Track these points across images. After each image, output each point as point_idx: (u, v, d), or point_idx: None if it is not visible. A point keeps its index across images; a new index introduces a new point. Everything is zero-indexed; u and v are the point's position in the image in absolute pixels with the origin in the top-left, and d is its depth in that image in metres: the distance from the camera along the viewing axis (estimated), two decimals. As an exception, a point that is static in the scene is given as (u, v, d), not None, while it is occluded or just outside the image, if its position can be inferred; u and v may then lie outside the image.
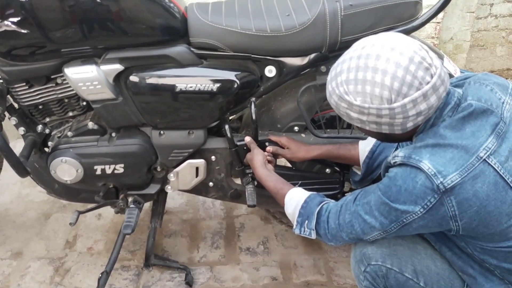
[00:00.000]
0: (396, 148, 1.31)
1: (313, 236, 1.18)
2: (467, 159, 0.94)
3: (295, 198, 1.25)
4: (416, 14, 1.42)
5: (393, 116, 0.97)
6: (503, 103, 1.01)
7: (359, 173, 1.48)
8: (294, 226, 1.23)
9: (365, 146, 1.43)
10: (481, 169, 0.93)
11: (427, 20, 1.42)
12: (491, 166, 0.94)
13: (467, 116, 0.98)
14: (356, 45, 1.02)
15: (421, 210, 0.97)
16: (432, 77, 0.94)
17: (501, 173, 0.95)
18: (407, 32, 1.43)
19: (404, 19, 1.40)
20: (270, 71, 1.48)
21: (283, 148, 1.54)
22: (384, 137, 1.10)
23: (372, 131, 1.04)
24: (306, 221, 1.19)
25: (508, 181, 0.95)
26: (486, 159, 0.94)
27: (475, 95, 1.01)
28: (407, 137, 1.07)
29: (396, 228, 1.03)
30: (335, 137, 1.56)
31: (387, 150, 1.38)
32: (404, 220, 1.00)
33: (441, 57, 1.56)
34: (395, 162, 1.02)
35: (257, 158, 1.44)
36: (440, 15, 2.76)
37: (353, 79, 0.97)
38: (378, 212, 1.04)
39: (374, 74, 0.94)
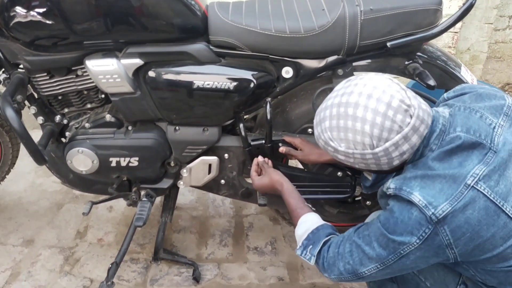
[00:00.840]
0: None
1: (312, 262, 1.19)
2: (455, 188, 0.95)
3: (308, 222, 1.26)
4: (436, 21, 1.42)
5: (378, 158, 1.01)
6: (494, 128, 1.01)
7: (370, 178, 1.49)
8: (298, 247, 1.24)
9: None
10: (471, 196, 0.94)
11: (446, 29, 1.43)
12: (480, 192, 0.94)
13: (455, 149, 0.99)
14: (337, 91, 1.05)
15: (417, 241, 0.97)
16: (411, 117, 0.97)
17: (491, 197, 0.95)
18: (426, 39, 1.44)
19: (423, 26, 1.40)
20: (287, 72, 1.50)
21: (296, 149, 1.55)
22: (374, 172, 1.14)
23: (362, 168, 1.09)
24: (311, 246, 1.20)
25: (499, 205, 0.95)
26: (475, 185, 0.94)
27: (464, 125, 1.01)
28: (397, 169, 1.10)
29: (394, 260, 1.03)
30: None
31: None
32: (402, 252, 1.00)
33: (458, 66, 1.56)
34: (389, 193, 1.04)
35: (278, 174, 1.43)
36: (458, 24, 2.75)
37: (335, 126, 1.01)
38: (377, 243, 1.04)
39: (354, 122, 0.98)
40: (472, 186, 0.94)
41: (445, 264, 1.15)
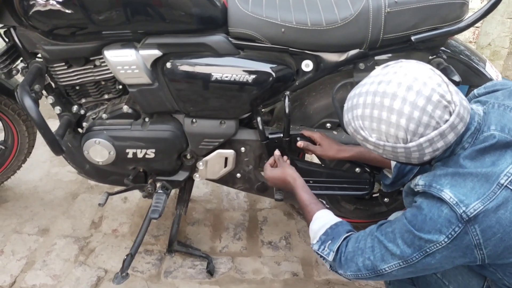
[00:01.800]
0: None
1: (330, 257, 1.16)
2: (488, 187, 0.91)
3: (324, 217, 1.24)
4: (462, 16, 1.38)
5: (409, 153, 0.97)
6: None
7: (390, 176, 1.46)
8: (314, 242, 1.21)
9: None
10: (504, 196, 0.91)
11: (473, 23, 1.39)
12: None
13: (488, 148, 0.95)
14: (373, 77, 0.99)
15: (446, 239, 0.94)
16: (450, 115, 0.92)
17: None
18: (451, 34, 1.40)
19: (449, 20, 1.37)
20: (307, 66, 1.47)
21: (314, 144, 1.53)
22: (401, 163, 1.11)
23: (389, 159, 1.05)
24: (329, 241, 1.17)
25: None
26: (508, 185, 0.91)
27: (499, 123, 0.98)
28: (426, 163, 1.06)
29: (418, 259, 1.00)
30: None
31: None
32: (428, 250, 0.97)
33: (483, 61, 1.52)
34: (417, 190, 1.01)
35: (291, 169, 1.41)
36: (480, 19, 2.69)
37: (368, 115, 0.96)
38: (402, 241, 1.01)
39: (389, 114, 0.93)
40: (506, 186, 0.91)
41: (470, 267, 1.12)
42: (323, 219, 1.23)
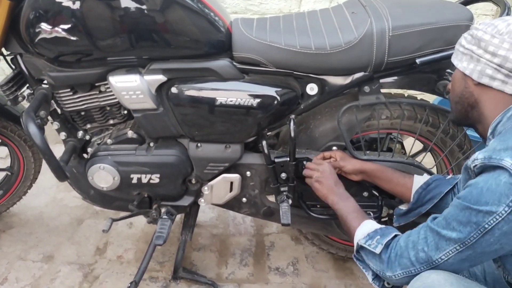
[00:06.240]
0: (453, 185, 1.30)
1: (378, 250, 1.11)
2: None
3: (374, 223, 1.22)
4: (467, 37, 1.37)
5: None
6: None
7: (404, 209, 1.43)
8: (361, 238, 1.17)
9: (421, 178, 1.40)
10: None
11: (478, 45, 1.37)
12: None
13: None
14: None
15: (506, 209, 0.89)
16: None
17: None
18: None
19: (454, 43, 1.32)
20: (312, 89, 1.46)
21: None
22: (471, 108, 1.09)
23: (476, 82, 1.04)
24: (378, 236, 1.14)
25: None
26: None
27: None
28: (488, 120, 1.05)
29: (476, 238, 0.94)
30: (375, 159, 1.52)
31: (442, 186, 1.33)
32: (486, 226, 0.92)
33: None
34: (475, 165, 0.97)
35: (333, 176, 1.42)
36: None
37: None
38: (457, 222, 0.97)
39: None
40: None
41: None
42: (373, 224, 1.21)
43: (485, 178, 0.93)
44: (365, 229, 1.20)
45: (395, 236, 1.13)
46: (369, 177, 1.48)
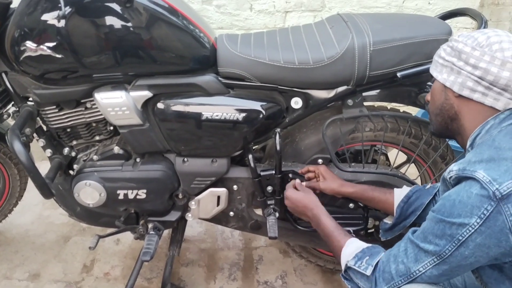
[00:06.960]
0: (433, 195, 1.31)
1: (368, 272, 1.11)
2: None
3: (359, 242, 1.22)
4: (446, 51, 1.41)
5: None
6: None
7: (389, 222, 1.44)
8: (350, 259, 1.17)
9: (401, 191, 1.41)
10: None
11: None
12: None
13: None
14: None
15: (478, 221, 0.91)
16: None
17: None
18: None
19: (433, 56, 1.39)
20: (296, 103, 1.49)
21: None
22: (450, 120, 1.11)
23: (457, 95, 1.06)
24: (367, 257, 1.14)
25: None
26: None
27: None
28: (467, 132, 1.07)
29: (451, 250, 0.96)
30: (360, 171, 1.54)
31: (423, 197, 1.35)
32: (460, 238, 0.94)
33: None
34: (451, 176, 0.99)
35: (314, 196, 1.42)
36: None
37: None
38: (433, 235, 0.99)
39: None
40: None
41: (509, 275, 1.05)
42: (358, 243, 1.21)
43: (457, 190, 0.96)
44: (351, 248, 1.20)
45: (384, 255, 1.14)
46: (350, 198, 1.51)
